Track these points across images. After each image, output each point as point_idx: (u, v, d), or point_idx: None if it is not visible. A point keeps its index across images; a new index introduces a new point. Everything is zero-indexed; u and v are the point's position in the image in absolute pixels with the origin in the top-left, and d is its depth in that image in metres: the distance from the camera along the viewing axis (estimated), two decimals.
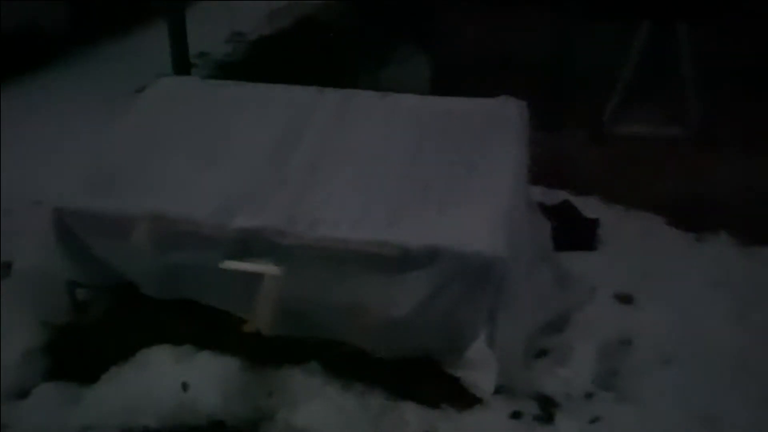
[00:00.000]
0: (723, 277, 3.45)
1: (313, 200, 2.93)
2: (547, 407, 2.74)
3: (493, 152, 3.11)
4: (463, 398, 2.78)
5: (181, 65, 5.61)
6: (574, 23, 4.69)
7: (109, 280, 3.17)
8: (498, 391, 2.77)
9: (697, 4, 4.43)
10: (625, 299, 3.34)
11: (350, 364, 2.89)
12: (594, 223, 3.83)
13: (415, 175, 3.02)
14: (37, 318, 3.16)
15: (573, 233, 3.70)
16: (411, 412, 2.73)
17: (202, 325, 3.07)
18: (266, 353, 2.95)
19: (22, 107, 5.52)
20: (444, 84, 4.89)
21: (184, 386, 2.80)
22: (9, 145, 4.81)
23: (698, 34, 4.47)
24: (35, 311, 3.17)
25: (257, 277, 2.84)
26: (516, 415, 2.71)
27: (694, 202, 4.02)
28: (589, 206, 4.08)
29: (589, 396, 2.78)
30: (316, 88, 3.56)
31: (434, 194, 2.93)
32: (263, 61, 6.51)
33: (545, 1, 4.70)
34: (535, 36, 4.80)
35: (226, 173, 3.08)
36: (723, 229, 3.79)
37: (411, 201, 2.91)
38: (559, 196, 4.14)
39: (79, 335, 3.16)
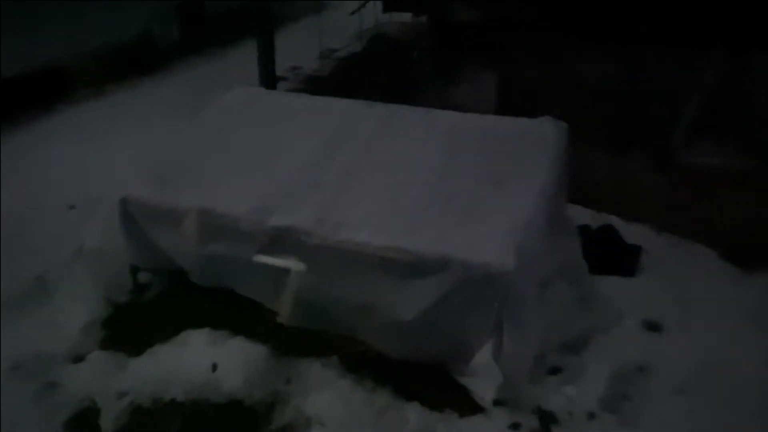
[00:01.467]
0: (765, 316, 3.32)
1: (342, 205, 3.13)
2: (546, 423, 2.77)
3: (522, 170, 3.19)
4: (467, 405, 2.87)
5: (268, 77, 6.03)
6: (645, 48, 4.63)
7: (163, 266, 3.50)
8: (501, 401, 2.83)
9: None
10: (654, 327, 3.29)
11: (366, 361, 3.05)
12: (636, 250, 3.79)
13: (441, 188, 3.16)
14: (103, 294, 3.55)
15: (611, 258, 3.68)
16: (413, 412, 2.84)
17: (241, 313, 3.33)
18: (292, 344, 3.17)
19: (129, 109, 6.15)
20: (508, 105, 4.97)
21: (214, 367, 3.07)
22: (110, 142, 5.41)
23: None
24: (103, 288, 3.56)
25: (284, 271, 3.07)
26: (514, 427, 2.77)
27: (752, 238, 3.86)
28: (638, 233, 4.03)
29: (591, 416, 2.79)
30: (366, 102, 3.77)
31: (456, 207, 3.05)
32: (347, 75, 6.85)
33: (615, 25, 4.66)
34: (603, 60, 4.78)
35: (270, 175, 3.34)
36: None
37: (432, 212, 3.04)
38: (609, 220, 4.12)
39: (134, 313, 3.53)
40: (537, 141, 3.35)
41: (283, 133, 3.64)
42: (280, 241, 3.09)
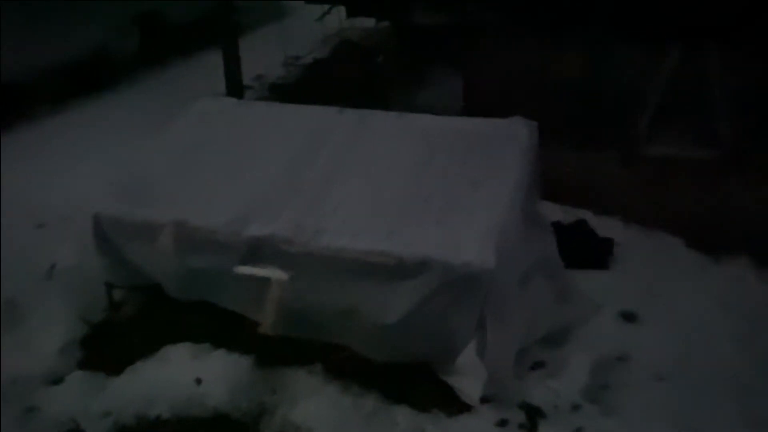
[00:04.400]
0: (735, 300, 3.44)
1: (320, 211, 3.13)
2: (533, 417, 2.82)
3: (496, 169, 3.24)
4: (454, 404, 2.89)
5: (234, 87, 6.00)
6: (604, 45, 4.74)
7: (139, 282, 3.45)
8: (487, 399, 2.87)
9: (726, 27, 4.39)
10: (630, 317, 3.38)
11: (350, 367, 3.06)
12: (608, 243, 3.88)
13: (417, 190, 3.19)
14: (78, 314, 3.48)
15: (585, 252, 3.76)
16: (402, 415, 2.86)
17: (220, 325, 3.31)
18: (275, 354, 3.16)
19: (90, 124, 6.05)
20: (476, 106, 5.04)
21: (198, 381, 3.04)
22: (73, 158, 5.31)
23: (729, 56, 4.43)
24: (77, 308, 3.49)
25: (265, 281, 3.06)
26: (502, 423, 2.81)
27: (717, 225, 3.98)
28: (609, 226, 4.12)
29: (575, 408, 2.85)
30: (337, 108, 3.78)
31: (433, 208, 3.08)
32: (313, 82, 6.84)
33: (575, 25, 4.76)
34: (566, 57, 4.88)
35: (245, 185, 3.33)
36: (744, 253, 3.75)
37: (411, 214, 3.06)
38: (579, 215, 4.20)
39: (112, 331, 3.47)
40: (509, 140, 3.41)
41: (256, 142, 3.62)
42: (260, 250, 3.08)
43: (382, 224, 3.03)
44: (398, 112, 3.76)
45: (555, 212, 4.15)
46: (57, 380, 3.17)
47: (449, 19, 5.23)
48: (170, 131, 3.83)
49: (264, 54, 7.44)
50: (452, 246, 2.85)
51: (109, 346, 3.38)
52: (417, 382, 3.00)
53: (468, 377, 2.85)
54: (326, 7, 6.57)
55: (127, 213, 3.28)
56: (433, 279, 2.82)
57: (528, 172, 3.30)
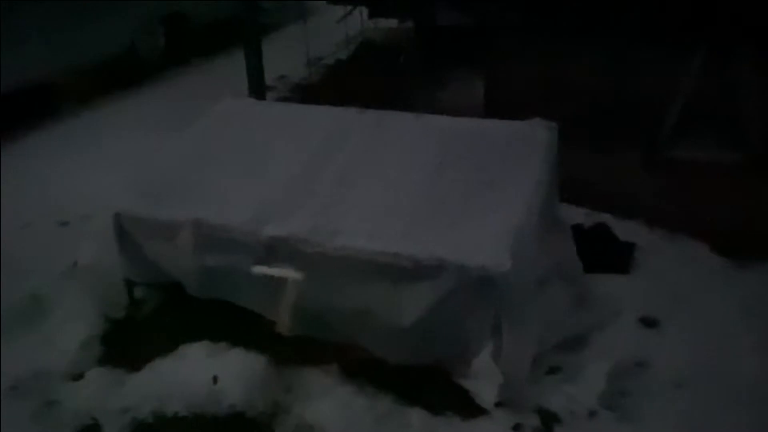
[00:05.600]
0: (759, 306, 3.36)
1: (337, 212, 3.14)
2: (548, 422, 2.79)
3: (514, 171, 3.22)
4: (469, 407, 2.88)
5: (257, 87, 6.02)
6: (629, 46, 4.68)
7: (159, 280, 3.49)
8: (503, 403, 2.85)
9: (755, 29, 4.31)
10: (650, 323, 3.33)
11: (366, 368, 3.06)
12: (629, 247, 3.82)
13: (434, 191, 3.18)
14: (100, 311, 3.54)
15: (606, 256, 3.71)
16: (416, 417, 2.86)
17: (239, 324, 3.33)
18: (291, 353, 3.18)
19: (115, 123, 6.14)
20: (497, 107, 5.01)
21: (215, 379, 3.06)
22: (98, 157, 5.39)
23: (757, 59, 4.35)
24: (99, 305, 3.55)
25: (281, 281, 3.08)
26: (517, 428, 2.79)
27: (742, 230, 3.90)
28: (631, 230, 4.06)
29: (592, 414, 2.81)
30: (356, 109, 3.79)
31: (450, 209, 3.07)
32: (335, 83, 6.85)
33: (599, 26, 4.71)
34: (589, 60, 4.83)
35: (264, 185, 3.35)
36: None
37: (427, 215, 3.05)
38: (601, 218, 4.15)
39: (132, 328, 3.52)
40: (528, 142, 3.38)
41: (275, 142, 3.65)
42: (276, 250, 3.09)
43: (399, 225, 3.03)
44: (417, 113, 3.73)
45: (576, 215, 4.11)
46: (77, 376, 3.22)
47: (471, 20, 5.22)
48: (192, 131, 3.87)
49: (287, 54, 7.46)
50: (468, 248, 2.83)
51: (128, 342, 3.42)
52: (431, 384, 2.99)
53: (483, 380, 2.83)
54: (348, 8, 6.57)
55: (148, 212, 3.31)
56: (448, 281, 2.80)
57: (547, 174, 3.27)
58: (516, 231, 2.88)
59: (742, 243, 3.81)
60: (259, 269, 3.10)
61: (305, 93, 6.74)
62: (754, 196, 4.17)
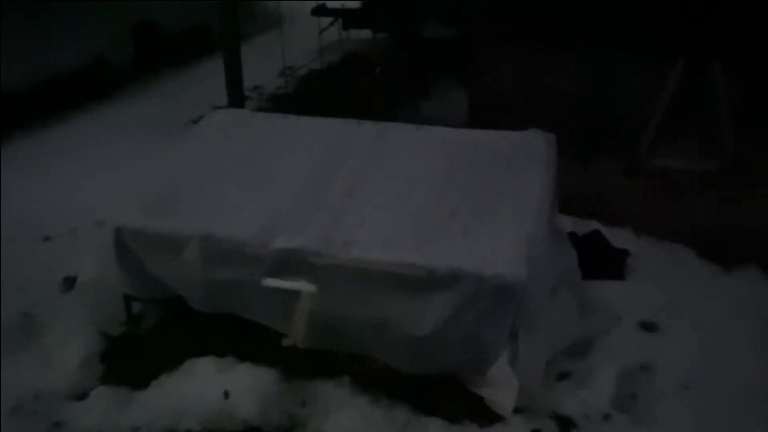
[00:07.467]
0: (748, 308, 3.52)
1: (347, 224, 3.14)
2: (565, 427, 2.85)
3: (518, 181, 3.28)
4: (485, 415, 2.91)
5: (236, 97, 5.96)
6: (609, 58, 4.83)
7: (160, 294, 3.43)
8: (519, 410, 2.90)
9: (730, 42, 4.50)
10: (650, 327, 3.44)
11: (379, 379, 3.07)
12: (623, 254, 3.94)
13: (443, 202, 3.22)
14: (97, 327, 3.45)
15: (602, 263, 3.82)
16: (434, 426, 2.88)
17: (244, 338, 3.30)
18: (301, 366, 3.16)
19: (89, 135, 5.99)
20: (481, 117, 5.09)
21: (226, 394, 3.03)
22: (74, 169, 5.25)
23: (732, 69, 4.54)
24: (95, 321, 3.46)
25: (294, 293, 3.06)
26: None
27: (726, 236, 4.06)
28: (620, 237, 4.19)
29: (606, 417, 2.89)
30: (355, 121, 3.80)
31: (460, 220, 3.11)
32: (312, 93, 6.85)
33: (580, 36, 4.84)
34: (570, 71, 4.96)
35: (270, 198, 3.33)
36: (753, 262, 3.84)
37: (438, 226, 3.09)
38: (591, 226, 4.26)
39: (133, 344, 3.44)
40: (530, 153, 3.46)
41: (277, 154, 3.63)
42: (287, 263, 3.08)
43: (410, 236, 3.05)
44: (418, 124, 3.77)
45: (567, 223, 4.20)
46: (81, 395, 3.13)
47: (455, 32, 5.29)
48: (187, 143, 3.82)
49: (260, 64, 7.41)
50: (483, 258, 2.88)
51: (130, 360, 3.35)
52: (448, 393, 3.01)
53: (500, 388, 2.87)
54: (331, 19, 6.58)
55: (152, 225, 3.25)
56: (464, 291, 2.84)
57: (549, 184, 3.35)
58: (528, 240, 2.94)
59: (725, 248, 3.97)
60: (271, 282, 3.08)
61: (281, 103, 6.71)
62: (732, 202, 4.35)
